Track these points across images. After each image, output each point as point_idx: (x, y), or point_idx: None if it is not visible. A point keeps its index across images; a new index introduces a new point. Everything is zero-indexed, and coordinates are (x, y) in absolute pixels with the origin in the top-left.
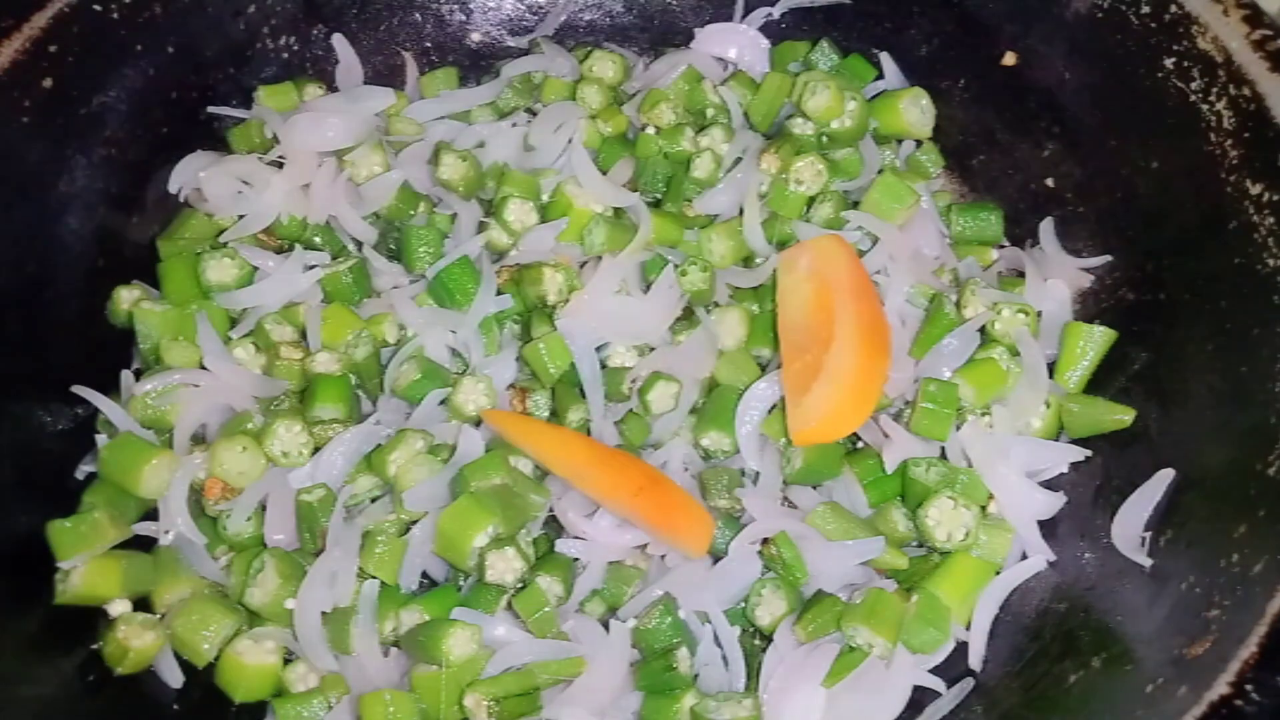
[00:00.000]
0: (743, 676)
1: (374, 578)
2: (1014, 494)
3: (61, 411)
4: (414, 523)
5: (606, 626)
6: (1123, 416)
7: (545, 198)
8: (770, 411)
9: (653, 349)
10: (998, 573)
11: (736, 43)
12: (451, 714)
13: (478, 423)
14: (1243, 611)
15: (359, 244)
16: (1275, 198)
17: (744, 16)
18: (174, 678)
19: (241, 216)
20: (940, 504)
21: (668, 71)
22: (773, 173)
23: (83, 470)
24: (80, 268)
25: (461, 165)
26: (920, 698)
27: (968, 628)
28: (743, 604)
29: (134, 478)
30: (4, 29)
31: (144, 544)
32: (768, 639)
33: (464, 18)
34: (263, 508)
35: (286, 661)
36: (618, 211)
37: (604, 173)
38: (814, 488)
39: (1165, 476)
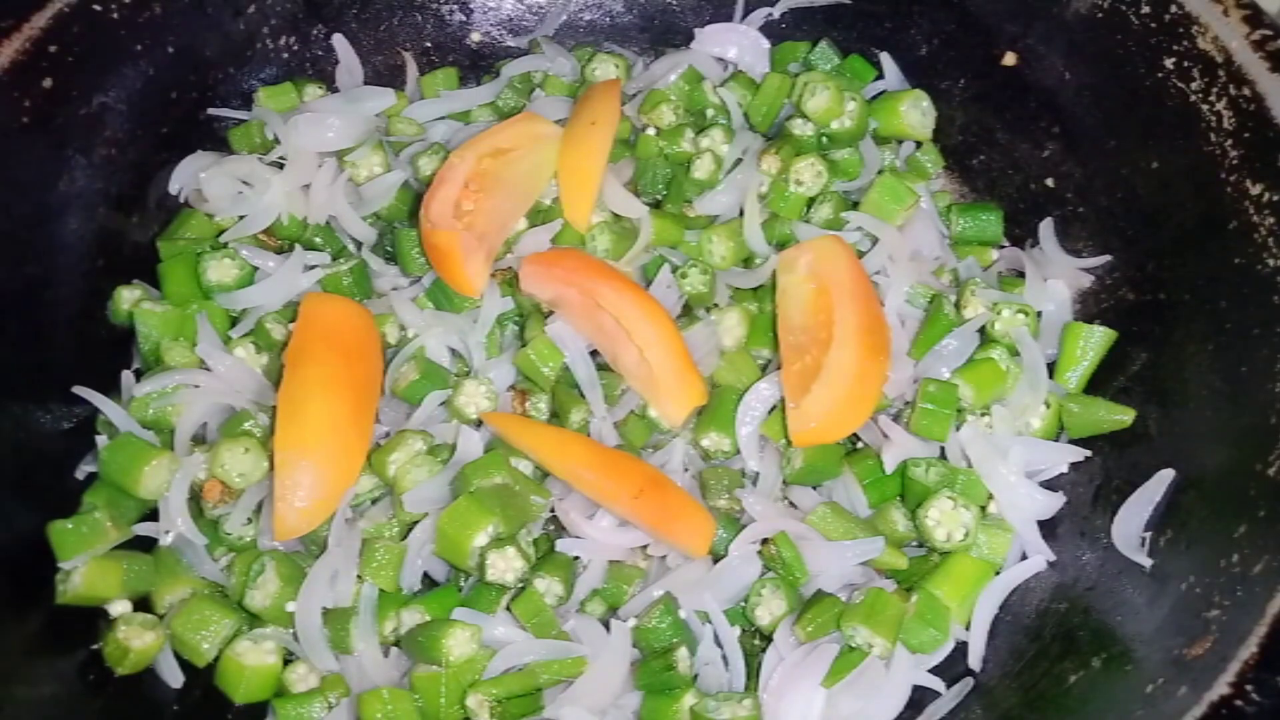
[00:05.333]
0: (743, 676)
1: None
2: (1014, 494)
3: (61, 411)
4: (414, 524)
5: (607, 626)
6: (1123, 416)
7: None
8: (770, 412)
9: None
10: (997, 573)
11: (736, 43)
12: (452, 714)
13: (478, 424)
14: (1243, 611)
15: (359, 245)
16: (1275, 198)
17: (744, 16)
18: (174, 678)
19: (242, 217)
20: (940, 504)
21: (668, 72)
22: (773, 173)
23: (83, 470)
24: (80, 268)
25: None
26: (920, 698)
27: (967, 628)
28: (743, 604)
29: (134, 478)
30: (4, 29)
31: (144, 544)
32: (768, 639)
33: (464, 18)
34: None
35: (286, 662)
36: (617, 214)
37: None
38: (814, 488)
39: (1165, 476)
